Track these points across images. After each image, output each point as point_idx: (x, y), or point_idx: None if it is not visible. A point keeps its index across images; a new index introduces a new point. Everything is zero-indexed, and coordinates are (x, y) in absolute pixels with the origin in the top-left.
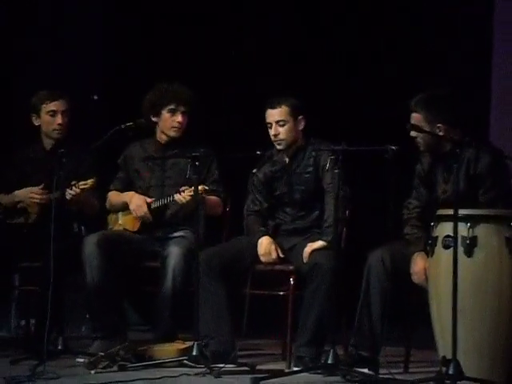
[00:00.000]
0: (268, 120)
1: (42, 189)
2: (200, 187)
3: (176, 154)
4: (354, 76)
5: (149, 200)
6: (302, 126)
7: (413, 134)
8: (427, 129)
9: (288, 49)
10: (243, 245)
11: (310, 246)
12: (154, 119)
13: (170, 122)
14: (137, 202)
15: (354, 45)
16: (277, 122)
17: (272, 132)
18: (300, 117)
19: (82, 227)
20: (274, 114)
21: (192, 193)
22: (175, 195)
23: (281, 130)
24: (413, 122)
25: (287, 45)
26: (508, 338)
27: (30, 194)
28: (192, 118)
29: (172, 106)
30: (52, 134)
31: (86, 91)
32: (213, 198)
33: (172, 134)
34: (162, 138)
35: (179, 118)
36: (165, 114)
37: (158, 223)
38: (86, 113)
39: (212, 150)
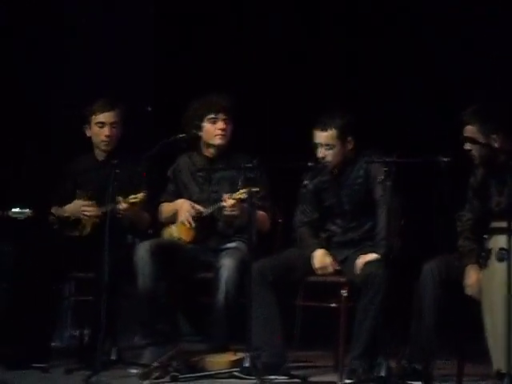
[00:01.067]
0: (315, 141)
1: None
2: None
3: (229, 166)
4: (406, 87)
5: (201, 209)
6: (350, 146)
7: (467, 146)
8: (482, 140)
9: (339, 60)
10: (295, 256)
11: (363, 258)
12: (196, 134)
13: (212, 131)
14: (186, 207)
15: (407, 56)
16: (324, 145)
17: (319, 154)
18: (349, 138)
19: (137, 239)
20: (321, 137)
21: (234, 199)
22: (223, 203)
23: (328, 153)
24: (466, 134)
25: (337, 54)
26: None
27: (82, 208)
28: (236, 127)
29: (212, 115)
30: (100, 146)
31: (139, 102)
32: (260, 212)
33: (218, 141)
34: (208, 151)
35: (221, 125)
36: (206, 125)
37: (212, 233)
38: (140, 124)
39: (262, 161)
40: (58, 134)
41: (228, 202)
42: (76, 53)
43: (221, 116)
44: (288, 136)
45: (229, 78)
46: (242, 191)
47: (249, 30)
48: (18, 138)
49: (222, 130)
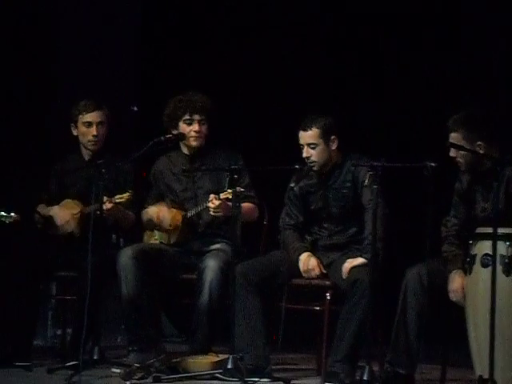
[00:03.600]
0: (300, 142)
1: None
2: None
3: (214, 167)
4: (395, 91)
5: (183, 212)
6: (334, 145)
7: (452, 153)
8: (467, 147)
9: (326, 62)
10: (280, 259)
11: (350, 263)
12: (174, 132)
13: (188, 133)
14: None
15: (394, 59)
16: (308, 145)
17: (304, 154)
18: (332, 137)
19: (121, 239)
20: (305, 137)
21: (219, 200)
22: (208, 203)
23: (312, 152)
24: (452, 141)
25: (324, 57)
26: None
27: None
28: (214, 125)
29: (187, 117)
30: (87, 145)
31: (125, 102)
32: (247, 204)
33: (193, 143)
34: (186, 149)
35: (196, 127)
36: (182, 125)
37: (195, 235)
38: (126, 124)
39: (241, 157)
40: (46, 133)
41: (214, 202)
42: (63, 53)
43: (196, 117)
44: (275, 138)
45: (215, 79)
46: (228, 191)
47: (235, 32)
48: (3, 139)
49: (197, 132)
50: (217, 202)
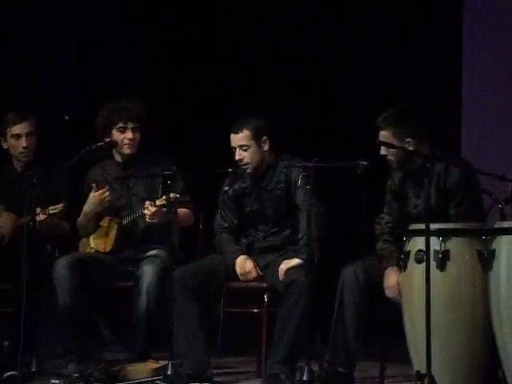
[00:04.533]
0: (232, 144)
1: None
2: (172, 195)
3: (148, 173)
4: (326, 90)
5: (118, 220)
6: (266, 146)
7: (383, 151)
8: (396, 145)
9: (259, 63)
10: (217, 263)
11: (286, 264)
12: (106, 140)
13: (121, 140)
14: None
15: (323, 59)
16: (240, 147)
17: (237, 157)
18: (264, 138)
19: (56, 249)
20: (236, 139)
21: (155, 206)
22: (144, 210)
23: (244, 154)
24: (381, 139)
25: (258, 59)
26: (482, 351)
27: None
28: (146, 132)
29: (121, 124)
30: (19, 157)
31: (57, 111)
32: (182, 209)
33: (126, 151)
34: (119, 157)
35: (129, 134)
36: (115, 133)
37: (130, 242)
38: (57, 133)
39: (173, 162)
40: None
41: (150, 209)
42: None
43: (130, 125)
44: (207, 142)
45: (150, 85)
46: (163, 198)
47: (168, 37)
48: None
49: (130, 139)
50: (152, 209)
